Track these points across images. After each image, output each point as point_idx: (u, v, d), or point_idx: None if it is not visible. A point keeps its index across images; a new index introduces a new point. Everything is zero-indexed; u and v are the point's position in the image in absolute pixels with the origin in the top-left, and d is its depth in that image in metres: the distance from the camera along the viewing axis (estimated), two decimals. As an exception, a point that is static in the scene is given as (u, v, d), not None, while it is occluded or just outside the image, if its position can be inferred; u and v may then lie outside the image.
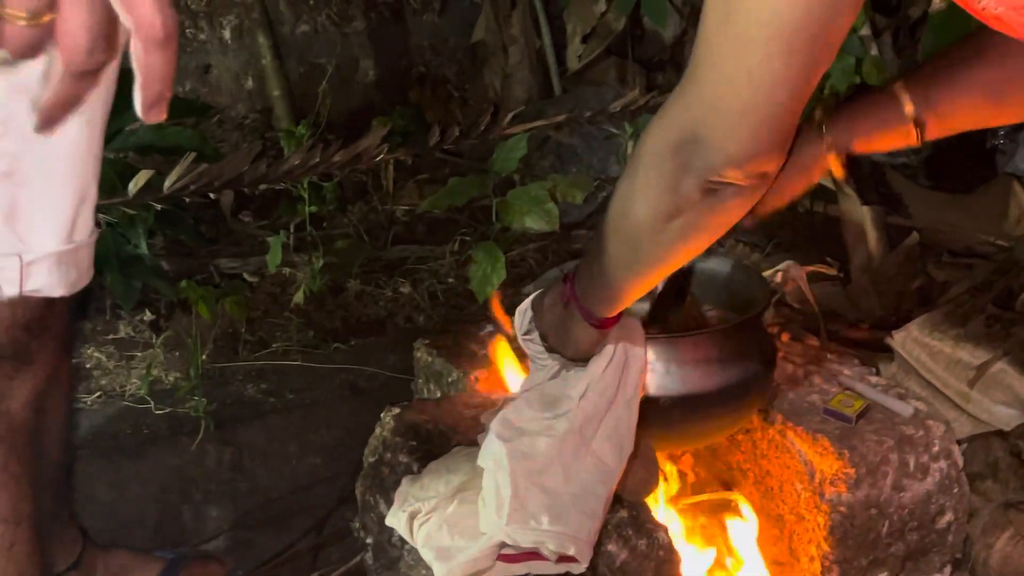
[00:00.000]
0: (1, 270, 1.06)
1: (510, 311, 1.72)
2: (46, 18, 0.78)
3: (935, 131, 1.30)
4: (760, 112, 1.09)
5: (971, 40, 1.26)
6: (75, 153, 1.06)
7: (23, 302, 1.08)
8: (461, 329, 2.27)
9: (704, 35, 1.09)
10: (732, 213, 1.20)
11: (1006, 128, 3.55)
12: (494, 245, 2.77)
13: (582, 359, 1.58)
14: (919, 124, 1.30)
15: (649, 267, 1.33)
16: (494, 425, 1.60)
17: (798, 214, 3.13)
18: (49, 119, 0.82)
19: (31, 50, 0.78)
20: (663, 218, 1.22)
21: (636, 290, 1.41)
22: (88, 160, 1.10)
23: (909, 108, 1.30)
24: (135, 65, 0.82)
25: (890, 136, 1.33)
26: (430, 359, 2.17)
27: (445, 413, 1.89)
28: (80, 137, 1.08)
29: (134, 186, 2.48)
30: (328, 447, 2.31)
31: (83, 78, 0.81)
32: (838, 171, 1.39)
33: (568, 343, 1.56)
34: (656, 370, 1.66)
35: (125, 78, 2.79)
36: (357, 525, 1.92)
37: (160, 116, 0.83)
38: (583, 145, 3.60)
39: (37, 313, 1.09)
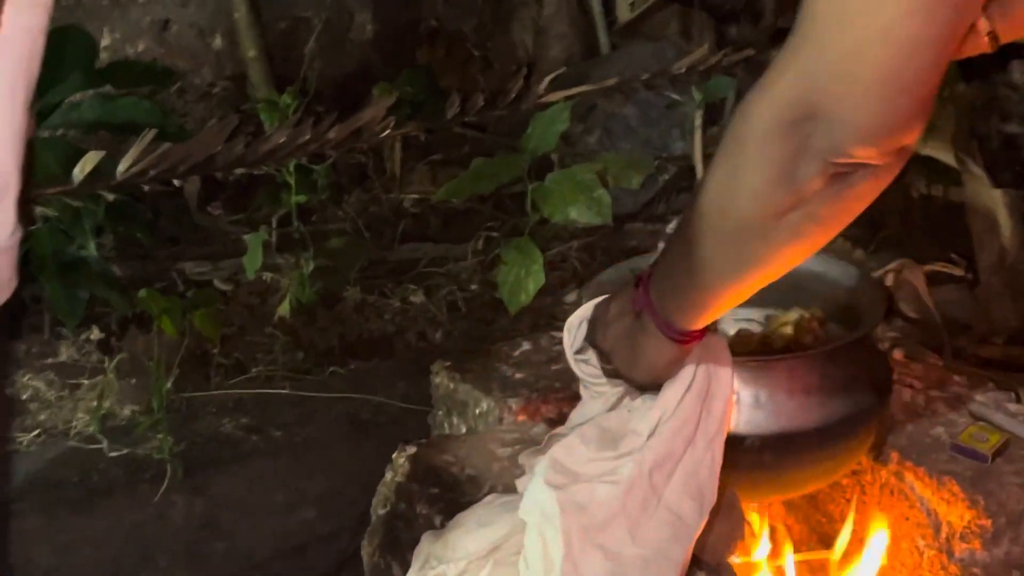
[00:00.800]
0: None
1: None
2: None
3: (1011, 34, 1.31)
4: (900, 78, 1.10)
5: None
6: None
7: None
8: (490, 348, 2.27)
9: None
10: (863, 200, 1.20)
11: None
12: (530, 242, 2.76)
13: (653, 385, 1.57)
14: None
15: (755, 270, 1.33)
16: (541, 468, 1.60)
17: (911, 199, 3.13)
18: None
19: None
20: (776, 212, 1.22)
21: (735, 297, 1.41)
22: (5, 140, 1.11)
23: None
24: None
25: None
26: (452, 385, 2.17)
27: (473, 452, 1.89)
28: None
29: (79, 172, 2.49)
30: (325, 497, 2.31)
31: None
32: None
33: (638, 363, 1.55)
34: (742, 401, 1.66)
35: (63, 41, 2.81)
36: (364, 595, 1.93)
37: None
38: (639, 116, 3.62)
39: None
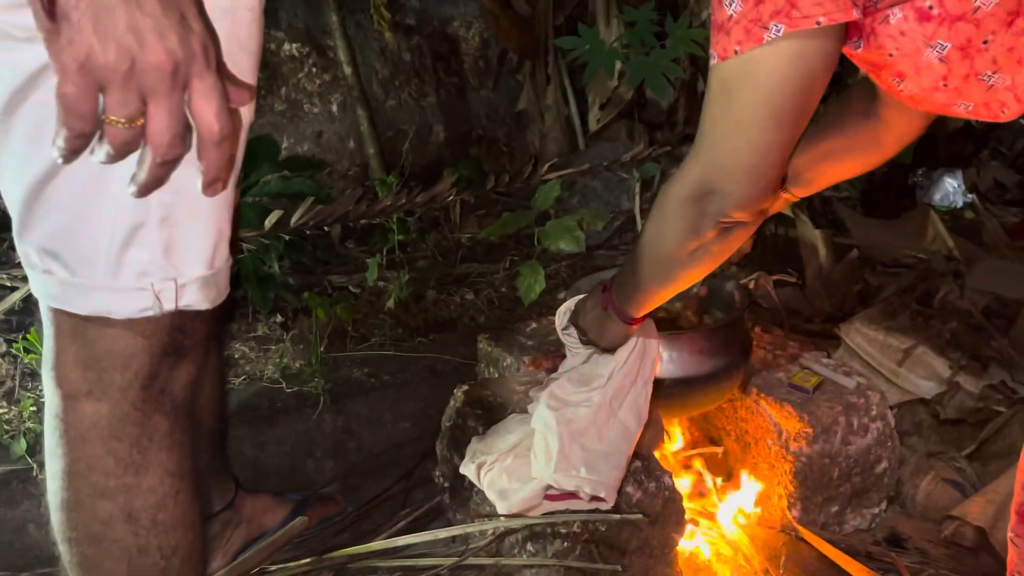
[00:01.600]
0: (162, 291, 1.09)
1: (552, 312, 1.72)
2: (139, 122, 0.81)
3: (804, 193, 1.35)
4: (760, 168, 1.11)
5: (826, 118, 1.30)
6: (214, 202, 1.09)
7: (179, 314, 1.12)
8: (512, 326, 2.27)
9: (711, 116, 1.11)
10: (738, 241, 1.22)
11: (923, 168, 3.50)
12: (536, 263, 2.77)
13: (611, 348, 1.58)
14: (792, 192, 1.36)
15: (674, 283, 1.35)
16: (544, 397, 1.60)
17: (766, 236, 3.11)
18: (144, 191, 0.86)
19: (128, 147, 0.82)
20: (686, 249, 1.23)
21: (663, 298, 1.43)
22: (223, 207, 1.13)
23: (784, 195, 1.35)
24: (198, 155, 0.87)
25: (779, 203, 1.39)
26: (490, 349, 2.19)
27: (502, 388, 1.91)
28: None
29: (268, 222, 2.51)
30: (415, 415, 2.32)
31: (165, 165, 0.85)
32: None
33: (604, 336, 1.56)
34: (663, 358, 1.66)
35: (257, 143, 2.79)
36: (438, 473, 1.94)
37: (215, 193, 0.88)
38: (602, 187, 3.60)
39: (189, 321, 1.12)
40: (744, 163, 1.09)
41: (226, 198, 1.10)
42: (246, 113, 1.08)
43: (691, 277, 1.31)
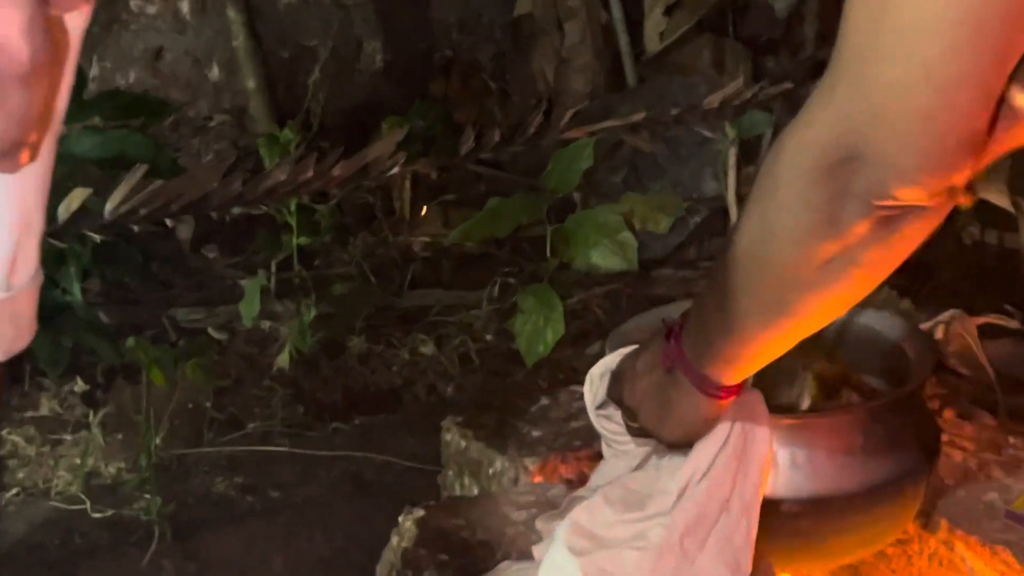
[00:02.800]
0: None
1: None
2: None
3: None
4: (944, 117, 1.11)
5: None
6: (13, 183, 1.09)
7: None
8: (506, 403, 2.27)
9: (855, 23, 1.11)
10: (910, 244, 1.20)
11: None
12: (549, 289, 2.78)
13: (685, 443, 1.57)
14: None
15: (796, 319, 1.33)
16: (562, 532, 1.60)
17: (964, 246, 3.13)
18: None
19: None
20: (818, 259, 1.22)
21: (775, 349, 1.41)
22: (30, 192, 1.13)
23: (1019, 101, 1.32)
24: None
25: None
26: (464, 443, 2.17)
27: (487, 515, 1.89)
28: None
29: (64, 211, 2.50)
30: (327, 561, 2.30)
31: None
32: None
33: (670, 420, 1.55)
34: (779, 462, 1.65)
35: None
36: (368, 670, 1.92)
37: (15, 168, 0.88)
38: (668, 154, 3.62)
39: None
40: (917, 105, 1.10)
41: (36, 175, 1.10)
42: (75, 29, 1.09)
43: (824, 309, 1.31)
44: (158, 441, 2.48)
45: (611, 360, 1.67)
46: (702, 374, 1.47)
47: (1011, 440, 2.08)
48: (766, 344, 1.40)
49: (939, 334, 2.48)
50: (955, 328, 2.46)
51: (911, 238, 1.20)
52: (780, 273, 1.28)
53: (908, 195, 1.15)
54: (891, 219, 1.17)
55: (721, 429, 1.56)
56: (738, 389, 1.51)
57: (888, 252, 1.22)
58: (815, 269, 1.23)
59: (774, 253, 1.26)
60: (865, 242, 1.19)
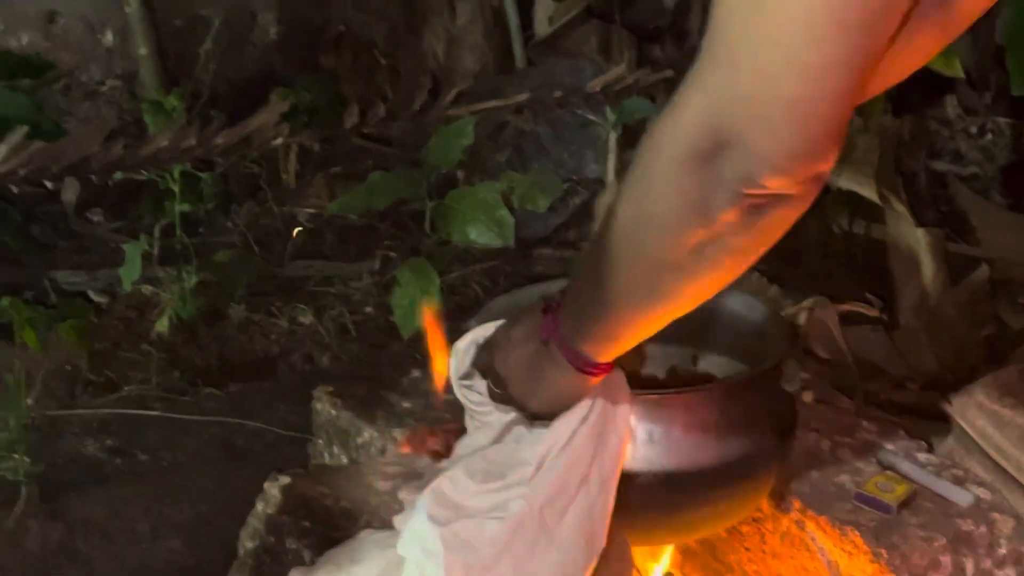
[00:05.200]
0: None
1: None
2: None
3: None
4: (811, 105, 1.11)
5: None
6: None
7: None
8: (378, 374, 2.26)
9: (727, 9, 1.10)
10: (778, 230, 1.21)
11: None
12: (426, 263, 2.77)
13: (548, 415, 1.57)
14: None
15: (669, 302, 1.33)
16: (423, 501, 1.58)
17: (832, 235, 3.16)
18: None
19: None
20: (689, 245, 1.22)
21: (647, 329, 1.42)
22: None
23: None
24: None
25: None
26: (334, 412, 2.16)
27: (352, 485, 1.88)
28: None
29: (-56, 170, 2.46)
30: (192, 526, 2.28)
31: None
32: None
33: (540, 392, 1.55)
34: (636, 437, 1.65)
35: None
36: (227, 634, 1.90)
37: None
38: (551, 135, 3.62)
39: None
40: (784, 93, 1.09)
41: None
42: None
43: (695, 292, 1.31)
44: (30, 401, 2.44)
45: (478, 333, 1.66)
46: (576, 351, 1.47)
47: (865, 424, 2.10)
48: (639, 324, 1.40)
49: (802, 320, 2.50)
50: (817, 314, 2.48)
51: (779, 225, 1.20)
52: (652, 257, 1.27)
53: (776, 183, 1.14)
54: (759, 207, 1.17)
55: (583, 404, 1.55)
56: (610, 367, 1.51)
57: (757, 239, 1.21)
58: (685, 254, 1.23)
59: (646, 238, 1.26)
60: (734, 229, 1.19)
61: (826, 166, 1.16)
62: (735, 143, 1.13)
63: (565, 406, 1.55)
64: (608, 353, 1.47)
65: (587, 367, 1.48)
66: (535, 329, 1.53)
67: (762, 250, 1.24)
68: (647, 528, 1.74)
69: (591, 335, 1.45)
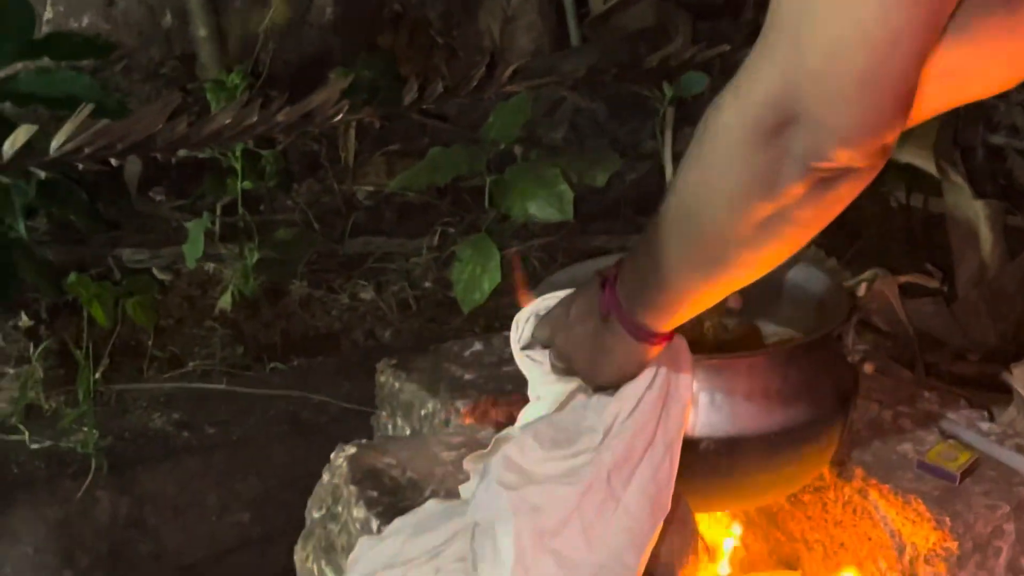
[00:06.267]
0: None
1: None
2: None
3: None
4: (881, 77, 1.11)
5: None
6: None
7: None
8: (440, 348, 2.27)
9: None
10: (843, 202, 1.21)
11: None
12: (486, 239, 2.77)
13: (611, 386, 1.58)
14: None
15: (729, 273, 1.34)
16: (494, 467, 1.59)
17: (890, 209, 3.14)
18: None
19: None
20: (753, 219, 1.22)
21: (707, 300, 1.43)
22: None
23: None
24: None
25: None
26: (397, 385, 2.17)
27: (416, 455, 1.89)
28: None
29: (10, 147, 2.48)
30: (260, 499, 2.30)
31: None
32: None
33: (604, 365, 1.55)
34: (698, 402, 1.66)
35: (20, 16, 2.78)
36: (295, 602, 1.91)
37: None
38: (607, 111, 3.61)
39: None
40: (854, 66, 1.09)
41: None
42: None
43: (756, 264, 1.31)
44: (97, 376, 2.46)
45: (537, 305, 1.67)
46: (637, 322, 1.47)
47: (926, 395, 2.09)
48: (699, 295, 1.41)
49: (862, 292, 2.49)
50: (877, 286, 2.47)
51: (845, 197, 1.20)
52: (715, 230, 1.27)
53: (845, 156, 1.14)
54: (827, 180, 1.17)
55: (647, 371, 1.56)
56: (671, 336, 1.51)
57: (821, 211, 1.22)
58: (750, 227, 1.23)
59: (709, 212, 1.26)
60: (800, 202, 1.19)
61: (893, 137, 1.16)
62: (803, 118, 1.13)
63: (630, 376, 1.56)
64: (668, 323, 1.47)
65: (648, 337, 1.49)
66: (593, 305, 1.54)
67: (825, 222, 1.24)
68: (709, 494, 1.75)
69: (651, 306, 1.45)
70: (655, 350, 1.53)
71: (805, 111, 1.13)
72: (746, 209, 1.22)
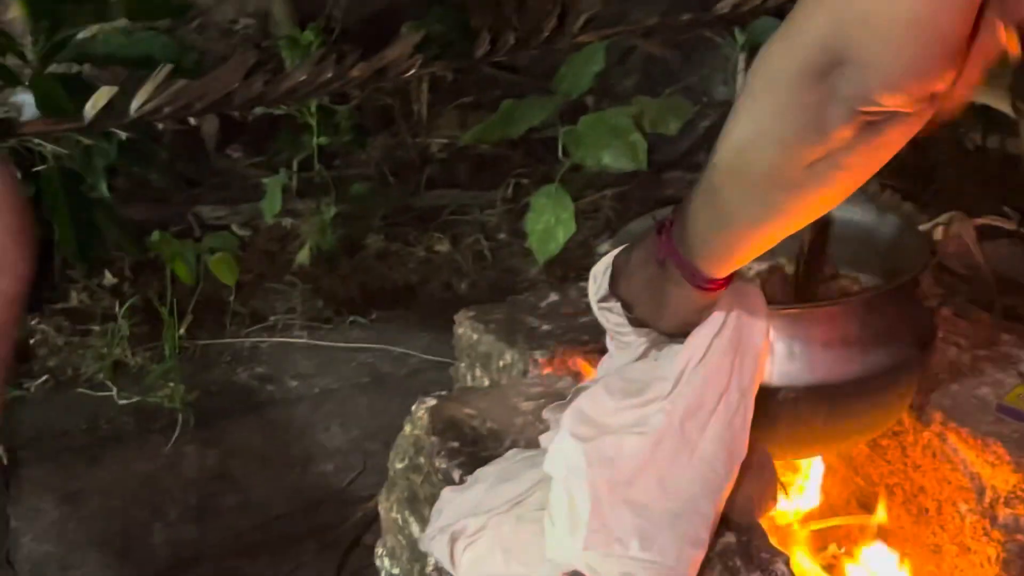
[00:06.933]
0: None
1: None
2: None
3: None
4: (932, 22, 1.10)
5: None
6: None
7: None
8: (517, 299, 2.27)
9: None
10: (892, 148, 1.20)
11: None
12: (560, 189, 2.77)
13: (680, 333, 1.58)
14: None
15: (781, 218, 1.34)
16: (567, 420, 1.60)
17: (966, 151, 3.10)
18: None
19: None
20: (803, 162, 1.22)
21: (761, 245, 1.42)
22: None
23: None
24: None
25: None
26: (475, 337, 2.17)
27: (496, 406, 1.89)
28: None
29: (91, 108, 2.50)
30: (343, 450, 2.32)
31: None
32: (1014, 47, 1.40)
33: (663, 312, 1.55)
34: (776, 352, 1.65)
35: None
36: (380, 551, 1.93)
37: None
38: (679, 58, 3.59)
39: None
40: (905, 11, 1.08)
41: None
42: None
43: (806, 209, 1.32)
44: (182, 332, 2.49)
45: (613, 256, 1.67)
46: (692, 267, 1.47)
47: (1004, 337, 2.07)
48: (752, 240, 1.40)
49: (938, 235, 2.46)
50: (954, 229, 2.45)
51: (893, 143, 1.20)
52: (766, 175, 1.27)
53: (892, 101, 1.14)
54: (874, 124, 1.17)
55: (716, 318, 1.55)
56: (727, 281, 1.51)
57: (870, 156, 1.22)
58: (799, 172, 1.23)
59: (761, 155, 1.26)
60: (848, 146, 1.19)
61: (942, 85, 1.14)
62: (852, 60, 1.13)
63: (691, 323, 1.55)
64: (723, 268, 1.47)
65: (704, 283, 1.49)
66: (651, 251, 1.53)
67: (876, 167, 1.24)
68: (788, 442, 1.74)
69: (706, 251, 1.45)
70: (712, 296, 1.52)
71: (852, 53, 1.12)
72: (795, 152, 1.22)
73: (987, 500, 1.80)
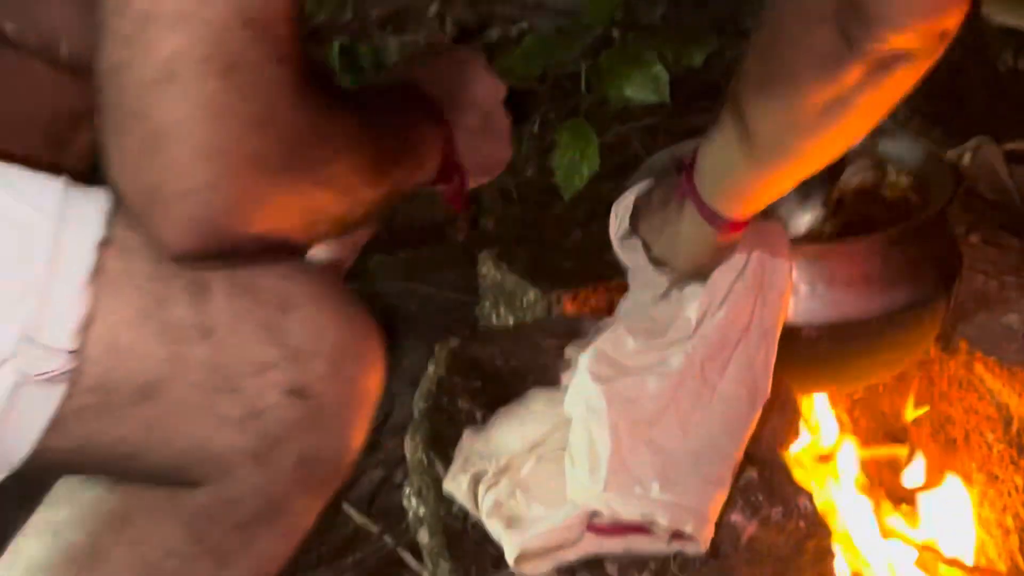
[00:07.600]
0: None
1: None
2: None
3: None
4: None
5: None
6: None
7: None
8: (541, 236, 2.27)
9: None
10: (902, 88, 1.22)
11: None
12: (584, 124, 2.76)
13: (700, 273, 1.58)
14: None
15: (796, 159, 1.38)
16: (586, 360, 1.60)
17: (996, 72, 3.07)
18: None
19: None
20: (815, 103, 1.25)
21: (779, 186, 1.45)
22: None
23: None
24: None
25: None
26: (499, 275, 2.18)
27: (519, 345, 1.89)
28: None
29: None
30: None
31: None
32: None
33: (681, 251, 1.57)
34: (798, 290, 1.65)
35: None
36: (408, 491, 1.94)
37: None
38: (706, -13, 3.57)
39: None
40: None
41: None
42: None
43: (820, 151, 1.34)
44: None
45: (635, 192, 1.67)
46: (710, 208, 1.49)
47: (1032, 264, 2.07)
48: (768, 182, 1.43)
49: (967, 160, 2.45)
50: (982, 154, 2.44)
51: (903, 83, 1.21)
52: (778, 115, 1.29)
53: (901, 39, 1.15)
54: (884, 63, 1.18)
55: (738, 258, 1.56)
56: (745, 223, 1.52)
57: (881, 95, 1.23)
58: (811, 113, 1.25)
59: (773, 96, 1.28)
60: (859, 86, 1.20)
61: (952, 23, 1.16)
62: (861, 1, 1.14)
63: (712, 264, 1.57)
64: (741, 210, 1.49)
65: (722, 224, 1.50)
66: (671, 190, 1.55)
67: (887, 107, 1.26)
68: (812, 378, 1.75)
69: (723, 193, 1.47)
70: (731, 236, 1.54)
71: None
72: (806, 92, 1.24)
73: (1014, 429, 1.80)
